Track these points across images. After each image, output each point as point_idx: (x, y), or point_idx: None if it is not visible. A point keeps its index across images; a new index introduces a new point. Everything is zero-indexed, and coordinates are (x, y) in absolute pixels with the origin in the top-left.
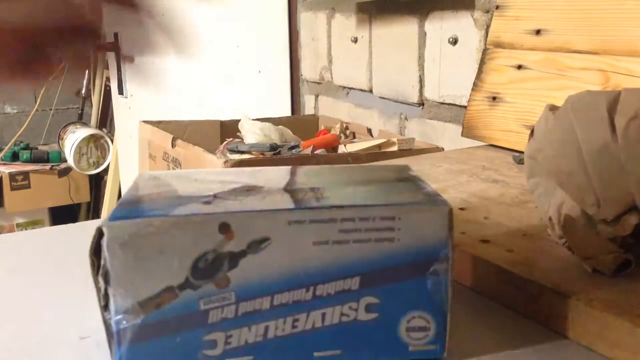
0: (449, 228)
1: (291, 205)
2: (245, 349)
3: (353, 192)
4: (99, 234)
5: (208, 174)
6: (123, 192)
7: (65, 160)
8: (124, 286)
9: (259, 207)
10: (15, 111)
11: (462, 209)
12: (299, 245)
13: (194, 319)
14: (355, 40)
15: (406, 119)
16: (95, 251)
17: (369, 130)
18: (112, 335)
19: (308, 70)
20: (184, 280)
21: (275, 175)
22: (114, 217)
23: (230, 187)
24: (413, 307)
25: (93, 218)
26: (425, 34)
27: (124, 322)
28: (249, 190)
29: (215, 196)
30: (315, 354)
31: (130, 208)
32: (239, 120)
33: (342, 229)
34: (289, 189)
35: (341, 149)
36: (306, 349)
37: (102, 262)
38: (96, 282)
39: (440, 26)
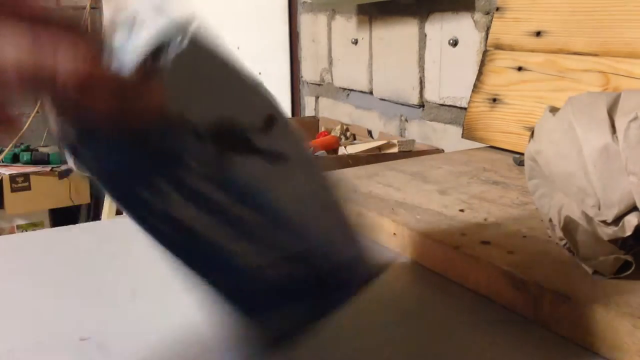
0: None
1: None
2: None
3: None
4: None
5: None
6: None
7: (66, 162)
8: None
9: None
10: (16, 113)
11: (462, 210)
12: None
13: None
14: (355, 42)
15: (406, 120)
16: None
17: (369, 132)
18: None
19: (308, 72)
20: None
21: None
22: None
23: None
24: None
25: (93, 220)
26: (426, 35)
27: None
28: None
29: None
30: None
31: None
32: None
33: None
34: None
35: (341, 151)
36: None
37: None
38: None
39: (440, 28)
